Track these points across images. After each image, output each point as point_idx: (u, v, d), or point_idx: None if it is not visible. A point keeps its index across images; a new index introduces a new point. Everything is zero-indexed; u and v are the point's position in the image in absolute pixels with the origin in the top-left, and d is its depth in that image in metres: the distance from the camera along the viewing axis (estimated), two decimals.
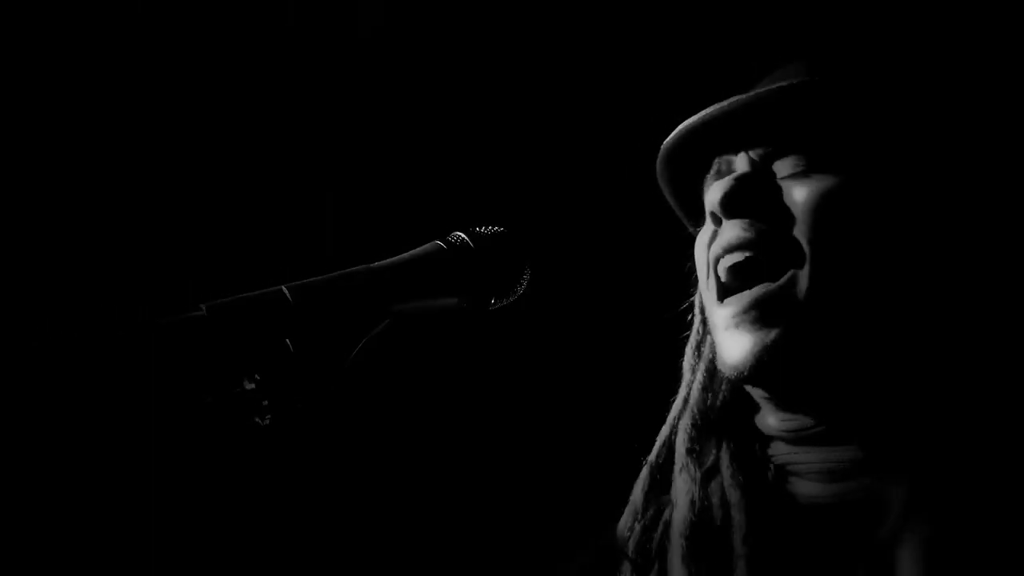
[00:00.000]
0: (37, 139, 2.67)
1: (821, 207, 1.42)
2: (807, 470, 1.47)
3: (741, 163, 1.52)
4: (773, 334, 1.42)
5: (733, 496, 1.48)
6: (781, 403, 1.50)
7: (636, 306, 2.22)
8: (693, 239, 1.63)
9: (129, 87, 2.72)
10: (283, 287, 1.35)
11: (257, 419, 1.35)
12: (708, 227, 1.54)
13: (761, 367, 1.43)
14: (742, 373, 1.44)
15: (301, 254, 2.81)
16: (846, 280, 1.42)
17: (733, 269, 1.47)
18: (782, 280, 1.43)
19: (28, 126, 2.66)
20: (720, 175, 1.54)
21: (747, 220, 1.46)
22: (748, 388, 1.53)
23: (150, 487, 2.68)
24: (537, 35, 2.71)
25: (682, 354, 1.65)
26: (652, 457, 1.61)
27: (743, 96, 1.49)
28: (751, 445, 1.54)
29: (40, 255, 2.69)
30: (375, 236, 2.83)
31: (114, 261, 2.74)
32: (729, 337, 1.46)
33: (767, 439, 1.53)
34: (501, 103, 2.74)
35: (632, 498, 1.60)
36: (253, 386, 1.35)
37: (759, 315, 1.43)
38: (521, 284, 1.44)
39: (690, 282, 1.65)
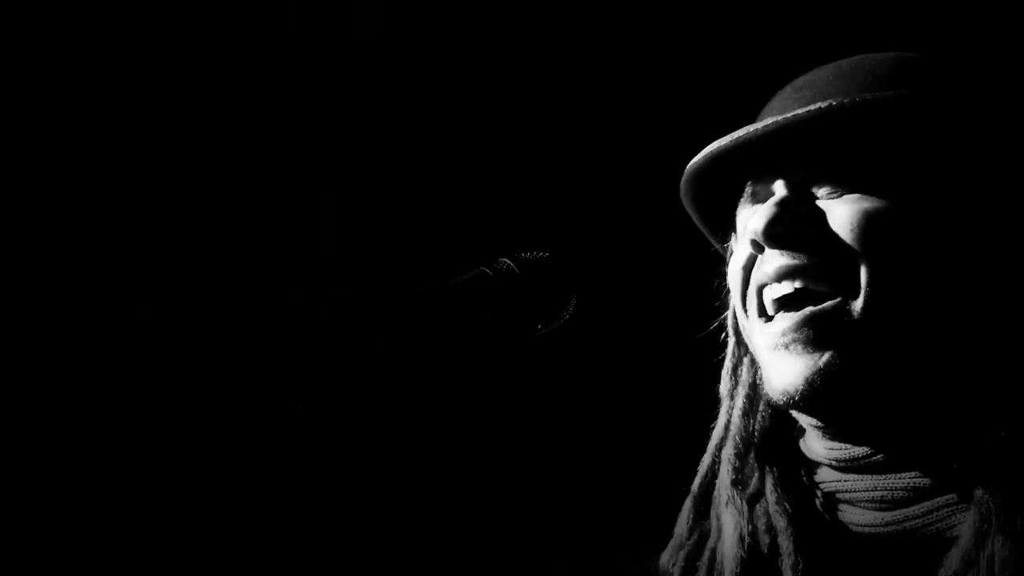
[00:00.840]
0: (38, 139, 2.66)
1: (870, 229, 1.40)
2: (860, 498, 1.44)
3: (779, 188, 1.48)
4: (826, 356, 1.39)
5: (780, 523, 1.46)
6: (832, 431, 1.46)
7: (666, 325, 2.23)
8: (718, 255, 1.62)
9: (129, 87, 2.70)
10: None
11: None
12: (745, 250, 1.50)
13: (814, 392, 1.39)
14: (792, 398, 1.41)
15: (301, 254, 2.81)
16: (902, 301, 1.39)
17: (781, 300, 1.44)
18: (834, 302, 1.40)
19: (29, 126, 2.64)
20: (756, 198, 1.51)
21: (791, 249, 1.43)
22: (795, 413, 1.50)
23: (151, 488, 2.68)
24: (561, 40, 2.71)
25: (716, 375, 1.62)
26: (695, 488, 1.58)
27: (779, 118, 1.45)
28: (796, 469, 1.52)
29: (40, 255, 2.68)
30: (375, 236, 2.83)
31: (114, 261, 2.73)
32: (778, 359, 1.42)
33: (813, 463, 1.51)
34: (510, 109, 2.75)
35: (676, 531, 1.58)
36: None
37: (811, 335, 1.40)
38: (567, 310, 1.45)
39: (719, 299, 1.62)
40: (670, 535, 1.61)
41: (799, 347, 1.41)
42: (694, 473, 1.62)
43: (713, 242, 1.67)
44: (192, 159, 2.75)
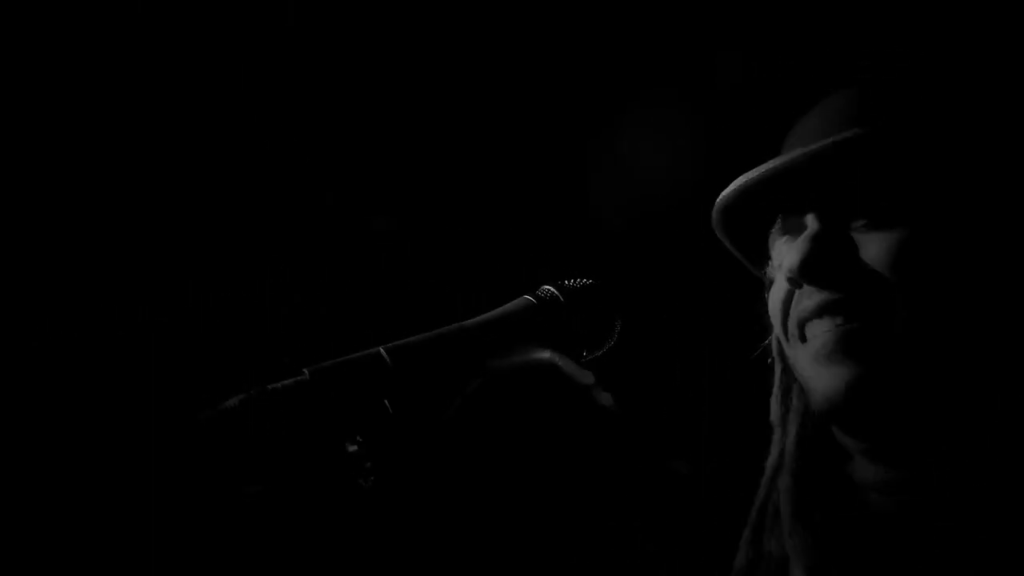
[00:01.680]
0: (38, 139, 2.63)
1: (902, 259, 1.39)
2: (907, 519, 1.43)
3: (811, 221, 1.47)
4: (866, 365, 1.39)
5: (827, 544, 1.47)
6: (878, 454, 1.47)
7: (712, 350, 2.23)
8: (758, 280, 1.62)
9: (128, 86, 2.68)
10: (380, 348, 1.35)
11: (360, 481, 1.36)
12: (783, 284, 1.50)
13: (855, 397, 1.39)
14: (835, 404, 1.41)
15: (301, 254, 2.80)
16: (942, 327, 1.39)
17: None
18: (873, 323, 1.40)
19: (28, 126, 2.62)
20: (788, 230, 1.51)
21: (829, 285, 1.43)
22: (839, 436, 1.50)
23: (151, 487, 2.67)
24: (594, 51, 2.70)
25: (765, 401, 1.61)
26: (752, 520, 1.58)
27: (795, 154, 1.45)
28: (845, 492, 1.51)
29: (40, 255, 2.66)
30: (376, 237, 2.83)
31: (114, 261, 2.71)
32: (821, 369, 1.43)
33: (860, 487, 1.50)
34: (540, 126, 2.75)
35: (736, 564, 1.57)
36: (355, 448, 1.35)
37: (851, 347, 1.40)
38: (613, 336, 1.44)
39: (762, 323, 1.60)
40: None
41: (840, 355, 1.41)
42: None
43: (751, 269, 1.66)
44: (192, 159, 2.73)
